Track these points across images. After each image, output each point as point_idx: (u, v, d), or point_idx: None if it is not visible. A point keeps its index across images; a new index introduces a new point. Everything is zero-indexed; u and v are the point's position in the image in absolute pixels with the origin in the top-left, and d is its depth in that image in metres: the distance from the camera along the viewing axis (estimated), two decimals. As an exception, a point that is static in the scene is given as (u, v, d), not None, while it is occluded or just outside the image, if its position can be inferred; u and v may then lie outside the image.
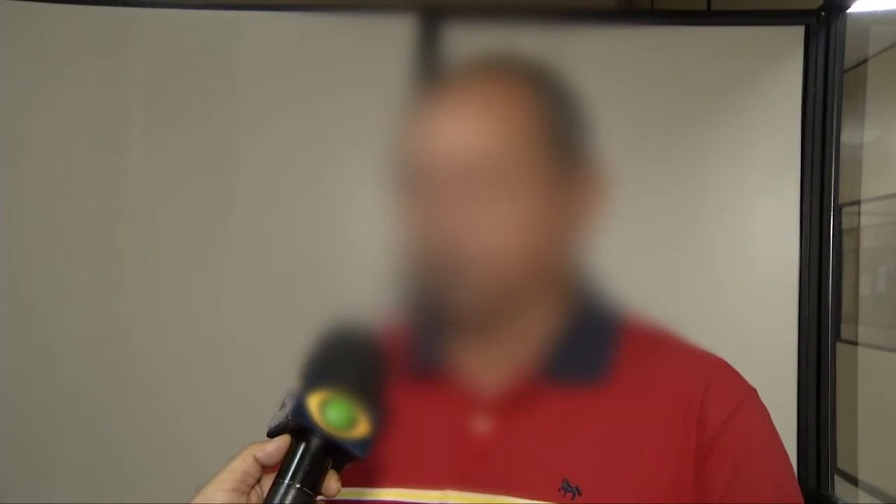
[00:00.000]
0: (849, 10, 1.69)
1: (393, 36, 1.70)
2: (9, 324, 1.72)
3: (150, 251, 1.75)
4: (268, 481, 0.62)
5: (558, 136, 0.69)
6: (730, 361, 0.74)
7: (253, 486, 0.62)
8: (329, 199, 1.73)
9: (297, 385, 0.65)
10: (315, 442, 0.62)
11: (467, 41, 1.69)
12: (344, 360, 0.67)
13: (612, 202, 0.71)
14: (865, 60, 2.28)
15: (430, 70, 1.62)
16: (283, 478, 0.61)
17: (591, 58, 1.67)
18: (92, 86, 1.75)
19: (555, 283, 0.72)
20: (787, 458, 0.73)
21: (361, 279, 1.50)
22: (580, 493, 0.66)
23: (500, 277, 0.67)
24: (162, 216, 1.75)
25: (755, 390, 0.72)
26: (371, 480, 0.69)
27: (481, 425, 0.70)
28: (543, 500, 0.66)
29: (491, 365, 0.71)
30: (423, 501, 0.68)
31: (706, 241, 1.71)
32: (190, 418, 1.70)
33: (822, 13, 1.69)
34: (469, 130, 0.67)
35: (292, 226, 1.74)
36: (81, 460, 1.72)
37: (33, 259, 1.74)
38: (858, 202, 2.91)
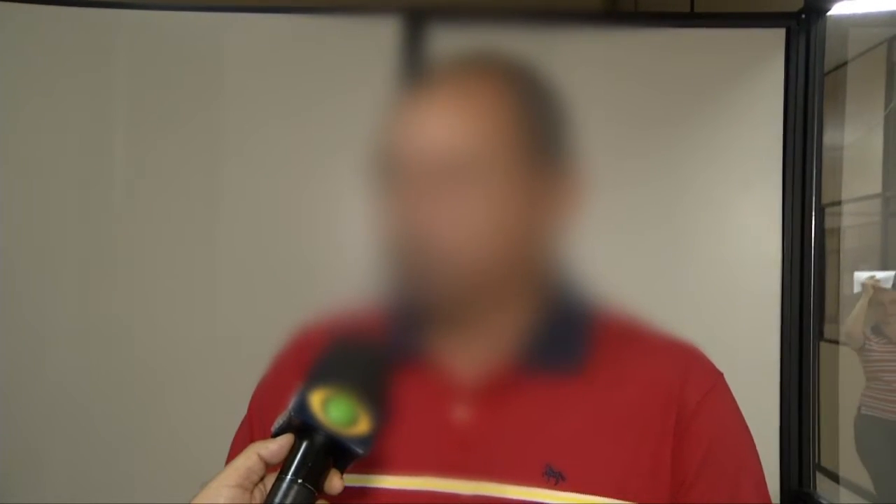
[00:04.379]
0: (829, 13, 1.71)
1: (378, 37, 1.70)
2: (1, 324, 1.72)
3: (140, 249, 1.74)
4: (271, 479, 0.63)
5: (535, 133, 0.71)
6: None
7: (257, 484, 0.62)
8: (314, 196, 1.74)
9: (301, 384, 0.66)
10: (317, 439, 0.63)
11: (451, 43, 1.69)
12: (348, 358, 0.68)
13: (592, 199, 0.72)
14: (845, 63, 2.31)
15: (415, 71, 1.63)
16: (286, 474, 0.62)
17: (575, 59, 1.68)
18: (79, 87, 1.74)
19: (531, 276, 0.73)
20: (752, 438, 0.75)
21: (345, 273, 1.50)
22: (564, 478, 0.67)
23: (473, 270, 0.68)
24: (151, 215, 1.75)
25: (723, 374, 0.75)
26: (355, 469, 0.70)
27: (462, 414, 0.71)
28: (528, 485, 0.68)
29: (470, 355, 0.73)
30: (408, 488, 0.69)
31: (687, 241, 1.73)
32: (181, 414, 1.70)
33: (803, 16, 1.71)
34: (445, 128, 0.68)
35: (278, 222, 1.74)
36: (75, 458, 1.72)
37: (26, 259, 1.73)
38: (840, 203, 2.95)
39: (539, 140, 0.71)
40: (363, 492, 0.70)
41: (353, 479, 0.70)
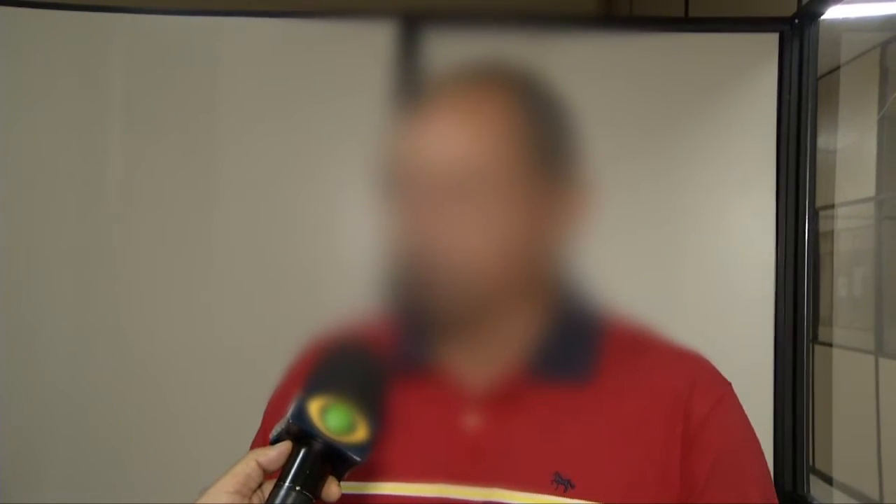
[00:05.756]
0: (821, 18, 1.72)
1: (373, 42, 1.71)
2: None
3: (138, 251, 1.75)
4: (269, 486, 0.63)
5: (540, 143, 0.71)
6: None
7: (255, 490, 0.63)
8: (312, 201, 1.74)
9: (299, 392, 0.66)
10: (315, 446, 0.64)
11: (447, 48, 1.70)
12: (346, 366, 0.69)
13: (594, 208, 0.72)
14: (838, 68, 2.32)
15: (410, 77, 1.63)
16: (284, 481, 0.63)
17: (570, 63, 1.69)
18: (75, 90, 1.75)
19: (537, 285, 0.74)
20: (761, 447, 0.76)
21: (347, 281, 1.51)
22: (573, 486, 0.68)
23: (479, 280, 0.69)
24: (148, 217, 1.75)
25: (731, 384, 0.76)
26: (366, 476, 0.71)
27: (472, 422, 0.72)
28: (537, 492, 0.68)
29: (479, 364, 0.73)
30: (418, 495, 0.70)
31: (682, 244, 1.73)
32: (180, 416, 1.70)
33: (796, 21, 1.72)
34: (450, 138, 0.69)
35: (277, 227, 1.75)
36: (73, 459, 1.71)
37: (23, 260, 1.73)
38: (833, 206, 2.95)
39: (544, 149, 0.71)
40: (374, 498, 0.71)
41: (363, 487, 0.71)
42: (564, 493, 0.68)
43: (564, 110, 0.75)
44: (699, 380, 0.73)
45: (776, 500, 0.74)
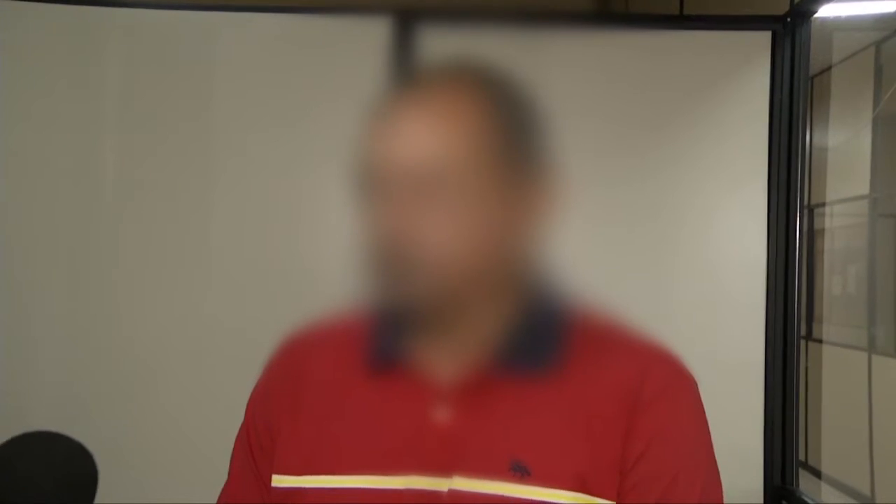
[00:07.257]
0: (814, 17, 1.73)
1: (368, 37, 1.72)
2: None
3: (132, 249, 1.75)
4: None
5: (511, 141, 0.72)
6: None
7: None
8: (300, 197, 1.75)
9: None
10: None
11: (442, 44, 1.71)
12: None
13: (578, 200, 0.73)
14: (830, 67, 2.34)
15: (405, 72, 1.64)
16: None
17: (564, 60, 1.70)
18: (71, 84, 1.75)
19: (507, 280, 0.75)
20: (708, 443, 0.76)
21: (328, 275, 1.52)
22: (529, 473, 0.70)
23: (449, 276, 0.70)
24: (141, 214, 1.75)
25: (694, 381, 0.76)
26: (336, 468, 0.72)
27: (441, 414, 0.73)
28: (496, 480, 0.70)
29: (448, 357, 0.75)
30: (387, 487, 0.71)
31: (673, 241, 1.74)
32: (174, 413, 1.70)
33: (788, 19, 1.73)
34: (421, 138, 0.70)
35: (266, 221, 1.76)
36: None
37: (18, 258, 1.74)
38: (827, 204, 2.98)
39: (513, 146, 0.72)
40: (344, 492, 0.72)
41: (331, 481, 0.72)
42: (521, 480, 0.70)
43: (536, 107, 0.76)
44: (651, 373, 0.74)
45: (715, 497, 0.74)
